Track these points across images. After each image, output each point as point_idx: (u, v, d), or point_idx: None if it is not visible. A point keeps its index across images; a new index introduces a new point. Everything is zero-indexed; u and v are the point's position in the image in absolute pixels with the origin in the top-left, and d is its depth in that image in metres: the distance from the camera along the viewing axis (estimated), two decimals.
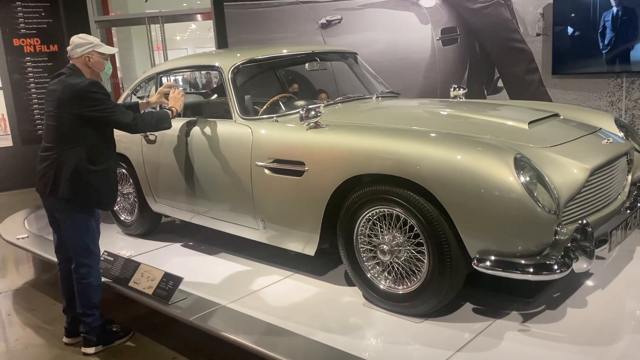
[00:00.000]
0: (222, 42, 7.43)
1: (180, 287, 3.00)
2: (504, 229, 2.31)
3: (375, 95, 3.73)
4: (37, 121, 7.99)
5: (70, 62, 3.06)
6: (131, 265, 3.25)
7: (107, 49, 3.12)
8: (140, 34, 8.84)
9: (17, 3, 7.71)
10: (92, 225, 3.07)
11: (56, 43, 7.99)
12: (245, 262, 3.51)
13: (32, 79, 7.90)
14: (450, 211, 2.35)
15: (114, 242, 4.13)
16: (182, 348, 3.08)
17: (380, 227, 2.65)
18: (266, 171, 3.03)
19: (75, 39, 3.05)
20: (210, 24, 7.96)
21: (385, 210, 2.60)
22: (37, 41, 7.88)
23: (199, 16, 8.56)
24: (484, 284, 2.77)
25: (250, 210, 3.19)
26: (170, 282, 3.00)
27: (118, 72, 8.63)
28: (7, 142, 7.79)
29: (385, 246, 2.62)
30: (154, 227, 4.19)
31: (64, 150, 2.92)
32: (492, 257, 2.33)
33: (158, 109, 3.89)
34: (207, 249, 3.82)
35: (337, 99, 3.57)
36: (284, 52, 3.82)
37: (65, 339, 3.27)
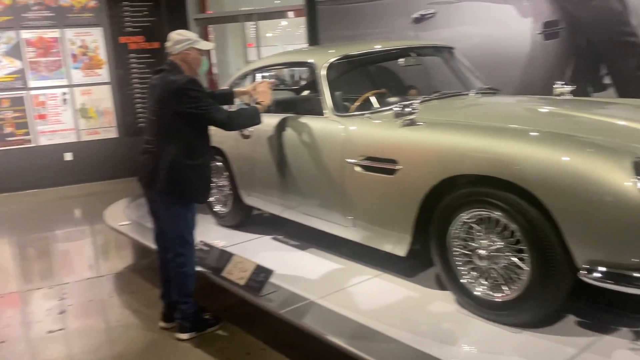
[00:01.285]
0: (313, 38, 7.49)
1: (271, 279, 3.04)
2: (618, 238, 2.12)
3: (472, 92, 3.58)
4: (139, 115, 8.46)
5: (169, 58, 3.18)
6: (225, 256, 3.35)
7: (204, 45, 3.22)
8: (234, 32, 9.12)
9: (124, 2, 8.20)
10: (188, 217, 3.19)
11: (158, 40, 8.42)
12: (334, 259, 3.50)
13: (135, 75, 8.38)
14: (556, 216, 2.20)
15: (209, 232, 4.28)
16: (271, 340, 3.13)
17: (478, 231, 2.53)
18: (357, 168, 3.00)
19: (174, 36, 3.16)
20: (300, 20, 8.05)
21: (484, 213, 2.48)
22: (141, 38, 8.35)
23: (291, 13, 8.70)
24: (589, 296, 2.57)
25: (339, 207, 3.18)
26: (261, 275, 3.05)
27: (213, 68, 8.96)
28: (112, 133, 8.32)
29: (482, 251, 2.51)
30: (246, 219, 4.30)
31: (162, 145, 3.05)
32: (603, 268, 2.15)
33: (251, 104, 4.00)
34: (296, 243, 3.86)
35: (433, 95, 3.46)
36: (378, 47, 3.77)
37: (161, 324, 3.43)
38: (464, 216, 2.55)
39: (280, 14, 8.81)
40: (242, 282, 3.09)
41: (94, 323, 3.65)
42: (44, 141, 7.93)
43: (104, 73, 8.18)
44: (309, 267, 3.40)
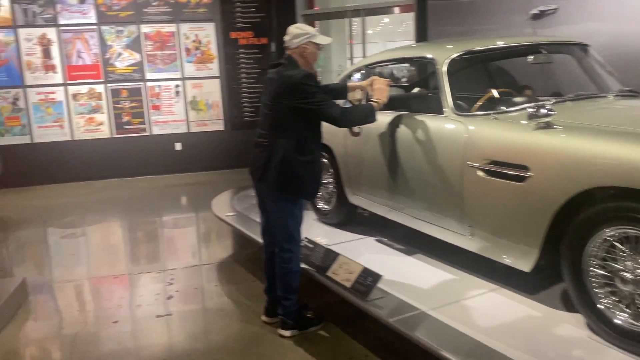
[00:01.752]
0: (421, 35, 7.25)
1: (379, 284, 2.91)
2: None
3: (611, 94, 3.21)
4: (245, 108, 8.67)
5: (287, 52, 3.14)
6: (330, 255, 3.26)
7: (322, 39, 3.14)
8: (337, 28, 9.08)
9: None
10: (296, 213, 3.14)
11: (266, 36, 8.57)
12: (444, 267, 3.29)
13: (243, 70, 8.58)
14: None
15: (311, 229, 4.22)
16: (375, 346, 3.01)
17: (622, 251, 2.23)
18: (480, 173, 2.78)
19: (293, 29, 3.11)
20: (402, 17, 7.83)
21: (631, 231, 2.17)
22: (250, 34, 8.54)
23: (396, 9, 8.52)
24: None
25: (457, 213, 2.97)
26: (369, 278, 2.92)
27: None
28: (219, 126, 8.59)
29: (628, 274, 2.20)
30: (350, 218, 4.20)
31: (275, 139, 3.01)
32: None
33: (364, 101, 3.88)
34: (402, 247, 3.69)
35: (567, 96, 3.14)
36: (505, 43, 3.49)
37: (264, 317, 3.42)
38: (607, 233, 2.26)
39: (387, 9, 8.64)
40: (348, 284, 2.99)
41: (198, 311, 3.72)
42: (156, 131, 8.35)
43: (214, 67, 8.45)
44: (417, 274, 3.22)
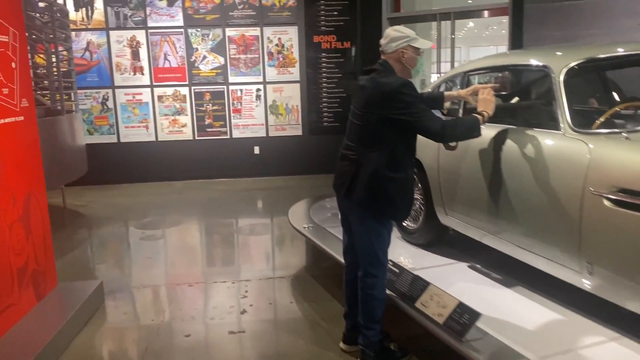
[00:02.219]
0: (517, 40, 6.77)
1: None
2: None
3: None
4: (324, 113, 8.50)
5: (382, 57, 2.85)
6: (419, 283, 2.93)
7: (423, 43, 2.82)
8: (421, 33, 8.66)
9: (320, 2, 8.25)
10: (384, 234, 2.85)
11: (349, 40, 8.35)
12: (552, 306, 2.87)
13: (324, 74, 8.41)
14: None
15: (393, 248, 3.81)
16: None
17: None
18: (606, 202, 2.35)
19: (391, 32, 2.81)
20: (487, 21, 7.34)
21: None
22: (333, 38, 8.35)
23: (486, 12, 8.05)
24: None
25: (572, 247, 2.55)
26: (465, 316, 2.57)
27: None
28: (298, 131, 8.46)
29: None
30: (437, 239, 3.83)
31: (364, 152, 2.74)
32: None
33: (461, 112, 3.52)
34: (499, 277, 3.29)
35: None
36: (628, 50, 3.01)
37: (342, 345, 3.15)
38: None
39: (480, 12, 8.14)
40: (441, 320, 2.65)
41: (272, 330, 3.50)
42: (236, 134, 8.34)
43: (295, 71, 8.33)
44: (520, 312, 2.82)
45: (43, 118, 5.79)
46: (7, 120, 3.18)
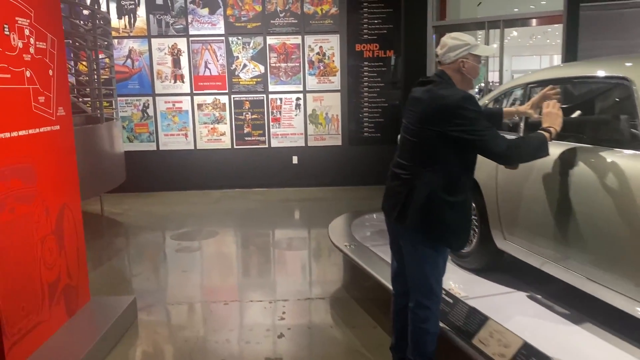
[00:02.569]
0: (571, 49, 6.40)
1: None
2: None
3: None
4: (365, 124, 8.27)
5: (439, 67, 2.59)
6: (477, 317, 2.66)
7: (485, 50, 2.55)
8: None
9: (364, 10, 8.04)
10: (439, 263, 2.57)
11: (392, 48, 8.11)
12: (628, 347, 2.54)
13: (365, 83, 8.18)
14: None
15: None
16: None
17: None
18: None
19: (448, 41, 2.55)
20: (533, 30, 6.97)
21: None
22: (375, 46, 8.12)
23: (537, 20, 7.70)
24: None
25: None
26: (531, 358, 2.28)
27: None
28: (337, 141, 8.24)
29: None
30: (492, 264, 3.53)
31: (419, 172, 2.48)
32: None
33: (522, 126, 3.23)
34: (565, 311, 2.97)
35: None
36: None
37: None
38: None
39: (530, 20, 7.78)
40: None
41: (311, 358, 3.27)
42: (275, 143, 8.18)
43: (336, 80, 8.13)
44: (591, 354, 2.51)
45: (83, 126, 5.75)
46: (43, 129, 3.07)
